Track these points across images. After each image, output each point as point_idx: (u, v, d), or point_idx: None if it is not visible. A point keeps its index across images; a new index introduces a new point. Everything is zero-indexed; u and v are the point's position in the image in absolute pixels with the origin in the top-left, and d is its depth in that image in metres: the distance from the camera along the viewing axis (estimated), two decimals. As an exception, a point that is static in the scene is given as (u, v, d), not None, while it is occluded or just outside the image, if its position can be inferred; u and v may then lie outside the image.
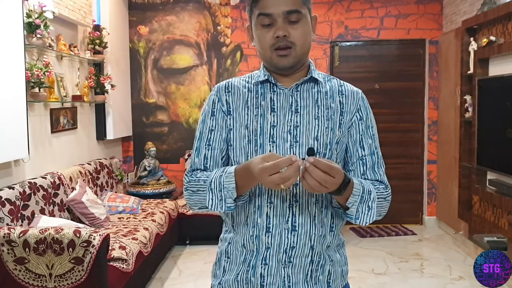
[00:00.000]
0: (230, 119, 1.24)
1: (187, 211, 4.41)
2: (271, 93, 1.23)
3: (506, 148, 3.49)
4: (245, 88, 1.26)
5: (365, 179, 1.21)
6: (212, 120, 1.26)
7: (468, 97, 4.18)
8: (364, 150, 1.23)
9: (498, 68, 3.76)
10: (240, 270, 1.23)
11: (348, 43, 5.17)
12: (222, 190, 1.13)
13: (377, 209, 1.16)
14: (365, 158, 1.22)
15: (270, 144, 1.19)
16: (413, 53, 5.16)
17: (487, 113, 3.85)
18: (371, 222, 1.16)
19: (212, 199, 1.15)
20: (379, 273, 3.88)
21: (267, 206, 1.18)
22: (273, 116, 1.20)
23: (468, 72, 4.16)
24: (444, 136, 4.95)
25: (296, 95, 1.22)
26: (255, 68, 5.15)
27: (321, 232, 1.20)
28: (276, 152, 1.18)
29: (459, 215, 4.38)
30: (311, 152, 1.05)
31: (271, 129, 1.19)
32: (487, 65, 3.93)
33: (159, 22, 5.13)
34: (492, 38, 3.73)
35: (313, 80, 1.24)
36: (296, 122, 1.19)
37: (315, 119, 1.19)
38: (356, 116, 1.23)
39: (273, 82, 1.23)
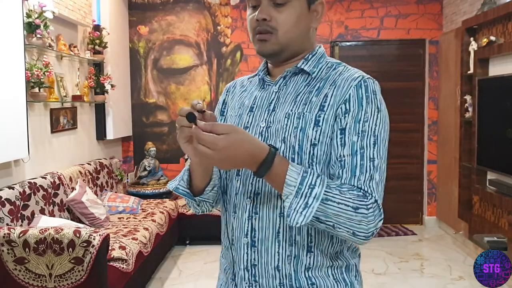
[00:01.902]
0: (222, 120, 1.20)
1: (187, 211, 4.41)
2: (259, 90, 1.13)
3: (506, 148, 3.49)
4: (243, 86, 1.20)
5: (344, 184, 0.98)
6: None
7: (468, 97, 4.18)
8: (343, 148, 0.98)
9: (498, 68, 3.76)
10: (222, 280, 1.19)
11: (348, 43, 5.17)
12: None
13: (328, 215, 0.92)
14: (344, 159, 0.97)
15: None
16: (413, 53, 5.16)
17: (487, 113, 3.85)
18: (306, 223, 0.91)
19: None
20: (379, 273, 3.88)
21: (232, 216, 1.09)
22: (249, 116, 1.10)
23: (468, 72, 4.16)
24: (444, 136, 4.95)
25: (284, 90, 1.08)
26: (255, 68, 5.15)
27: (291, 251, 1.02)
28: None
29: (459, 215, 4.38)
30: (191, 118, 0.88)
31: (246, 131, 1.07)
32: (487, 65, 3.93)
33: (159, 22, 5.13)
34: (492, 38, 3.73)
35: (304, 72, 1.09)
36: (269, 122, 1.06)
37: (285, 118, 1.03)
38: (341, 108, 0.99)
39: (260, 76, 1.14)
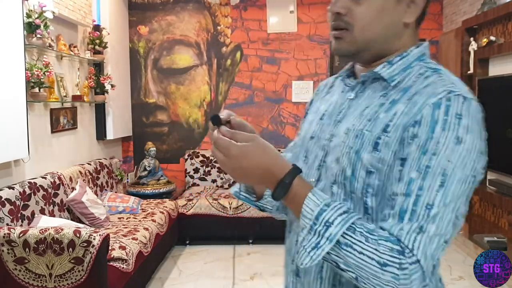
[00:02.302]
0: (302, 123, 1.06)
1: (187, 211, 4.40)
2: (339, 93, 0.97)
3: (506, 148, 3.49)
4: (332, 86, 1.04)
5: (382, 230, 0.76)
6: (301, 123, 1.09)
7: (468, 97, 4.18)
8: (399, 184, 0.77)
9: (498, 68, 3.77)
10: None
11: (348, 43, 5.16)
12: None
13: (348, 264, 0.75)
14: (396, 199, 0.76)
15: (303, 160, 0.96)
16: (413, 53, 5.16)
17: (487, 113, 3.79)
18: (311, 264, 0.76)
19: None
20: (379, 273, 3.87)
21: (287, 234, 0.99)
22: (318, 125, 0.95)
23: (468, 72, 4.16)
24: (444, 136, 4.94)
25: (359, 97, 0.90)
26: (254, 68, 5.16)
27: None
28: (307, 172, 0.93)
29: (459, 215, 4.38)
30: (215, 120, 0.83)
31: (309, 141, 0.96)
32: (487, 65, 3.93)
33: (159, 22, 5.13)
34: (492, 38, 3.73)
35: (382, 77, 0.88)
36: (332, 135, 0.90)
37: (344, 133, 0.87)
38: (408, 132, 0.77)
39: (340, 78, 0.98)
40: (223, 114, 0.85)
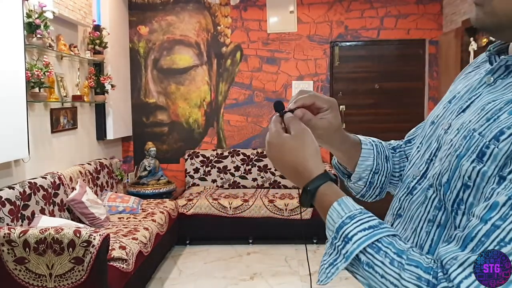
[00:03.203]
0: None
1: (187, 211, 4.41)
2: (480, 73, 0.79)
3: None
4: (483, 62, 0.84)
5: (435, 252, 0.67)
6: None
7: (468, 97, 4.18)
8: (482, 204, 0.61)
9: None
10: None
11: (348, 43, 5.17)
12: None
13: (370, 286, 0.65)
14: (471, 220, 0.61)
15: (418, 146, 0.84)
16: (413, 53, 5.16)
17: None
18: (326, 282, 0.67)
19: None
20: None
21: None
22: (444, 109, 0.80)
23: (468, 72, 4.16)
24: (444, 136, 4.94)
25: (496, 85, 0.72)
26: (254, 68, 5.16)
27: None
28: (417, 162, 0.81)
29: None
30: (278, 106, 0.80)
31: (430, 127, 0.82)
32: (487, 65, 3.93)
33: (159, 22, 5.13)
34: (492, 38, 3.73)
35: None
36: (449, 127, 0.75)
37: (456, 129, 0.71)
38: None
39: (488, 53, 0.78)
40: (292, 101, 0.81)
